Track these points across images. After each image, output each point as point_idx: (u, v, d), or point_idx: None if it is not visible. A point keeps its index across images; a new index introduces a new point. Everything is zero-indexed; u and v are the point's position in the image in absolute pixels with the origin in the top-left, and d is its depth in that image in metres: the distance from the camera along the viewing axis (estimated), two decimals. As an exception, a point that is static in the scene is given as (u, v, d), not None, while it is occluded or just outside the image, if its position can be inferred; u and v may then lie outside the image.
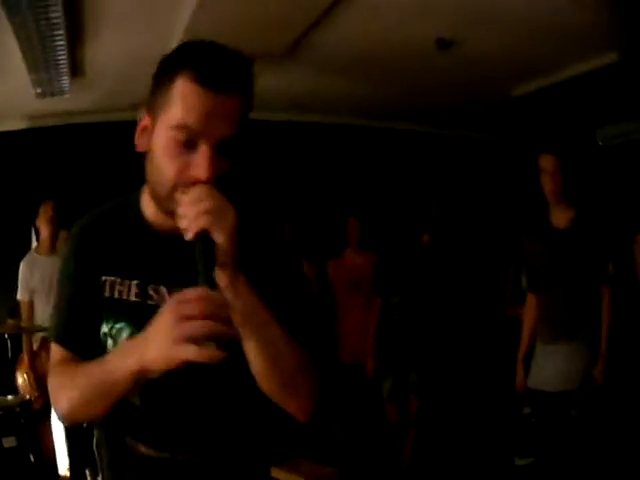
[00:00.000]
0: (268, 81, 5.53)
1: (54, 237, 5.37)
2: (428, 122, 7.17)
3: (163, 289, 1.63)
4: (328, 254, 5.98)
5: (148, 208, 1.66)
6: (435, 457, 5.55)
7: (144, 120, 1.56)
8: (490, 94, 6.24)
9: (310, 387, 1.62)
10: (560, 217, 3.99)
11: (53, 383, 1.67)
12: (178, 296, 1.37)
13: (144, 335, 1.43)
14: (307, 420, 1.63)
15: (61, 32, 4.09)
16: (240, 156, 1.53)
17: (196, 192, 1.42)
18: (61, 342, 1.69)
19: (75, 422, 1.79)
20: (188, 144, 1.45)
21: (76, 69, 4.99)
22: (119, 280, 1.65)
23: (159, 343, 1.37)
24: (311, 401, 1.62)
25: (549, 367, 3.94)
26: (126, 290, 1.64)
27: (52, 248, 5.35)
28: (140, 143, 1.56)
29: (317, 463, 4.85)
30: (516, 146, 6.65)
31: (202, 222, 1.38)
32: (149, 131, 1.54)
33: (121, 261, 1.66)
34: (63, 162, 6.12)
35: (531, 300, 4.21)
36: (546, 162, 3.97)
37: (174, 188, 1.47)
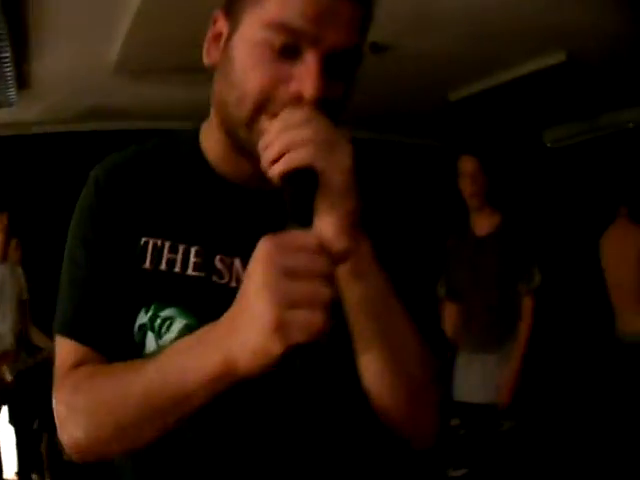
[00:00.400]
0: (206, 92, 5.59)
1: (6, 246, 5.45)
2: (365, 127, 7.14)
3: (237, 262, 1.12)
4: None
5: (213, 146, 1.18)
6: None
7: (218, 23, 1.11)
8: (428, 98, 6.12)
9: (438, 402, 1.15)
10: (482, 223, 3.80)
11: (65, 401, 1.12)
12: (277, 240, 0.86)
13: (225, 319, 0.92)
14: (430, 445, 1.18)
15: (6, 44, 4.15)
16: (354, 85, 1.11)
17: (295, 115, 0.96)
18: (77, 336, 1.15)
19: (97, 458, 1.11)
20: (286, 51, 1.00)
21: (22, 81, 5.02)
22: (169, 244, 1.12)
23: (255, 320, 0.85)
24: (438, 421, 1.16)
25: (475, 378, 3.76)
26: (180, 259, 1.11)
27: (3, 256, 5.43)
28: (211, 54, 1.13)
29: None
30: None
31: (303, 154, 0.92)
32: (225, 37, 1.09)
33: (172, 217, 1.14)
34: (11, 173, 6.16)
35: (449, 309, 3.91)
36: (465, 164, 3.77)
37: (258, 109, 1.02)
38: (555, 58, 4.94)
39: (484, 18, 4.29)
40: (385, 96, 5.94)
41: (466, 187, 3.79)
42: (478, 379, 3.75)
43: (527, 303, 3.66)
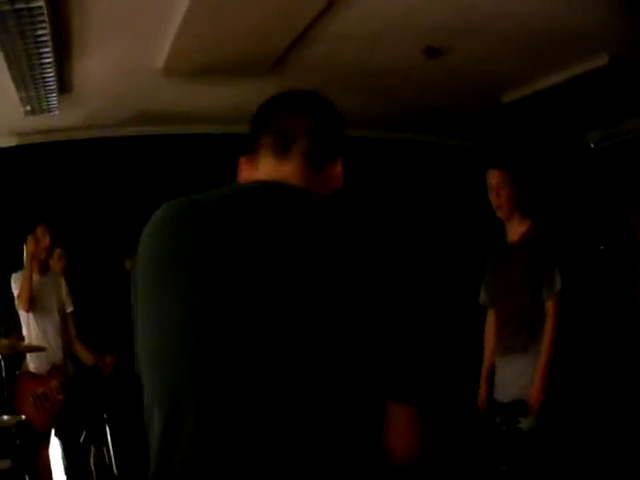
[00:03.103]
0: (252, 95, 5.53)
1: (48, 256, 5.36)
2: (418, 130, 7.16)
3: None
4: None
5: None
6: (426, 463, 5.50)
7: None
8: (479, 101, 6.24)
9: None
10: (513, 230, 3.96)
11: None
12: None
13: None
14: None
15: (49, 49, 4.07)
16: None
17: None
18: None
19: None
20: None
21: (64, 86, 4.97)
22: None
23: None
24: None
25: (506, 379, 3.93)
26: None
27: (44, 268, 5.33)
28: None
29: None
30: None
31: None
32: None
33: None
34: (52, 179, 6.10)
35: (490, 315, 4.21)
36: (490, 177, 3.93)
37: None
38: (598, 61, 5.12)
39: (531, 23, 4.47)
40: (439, 99, 6.08)
41: (492, 200, 3.96)
42: (509, 380, 3.90)
43: (550, 306, 3.78)
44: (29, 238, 5.19)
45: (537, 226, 3.90)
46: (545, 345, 3.74)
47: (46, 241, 5.24)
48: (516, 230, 3.92)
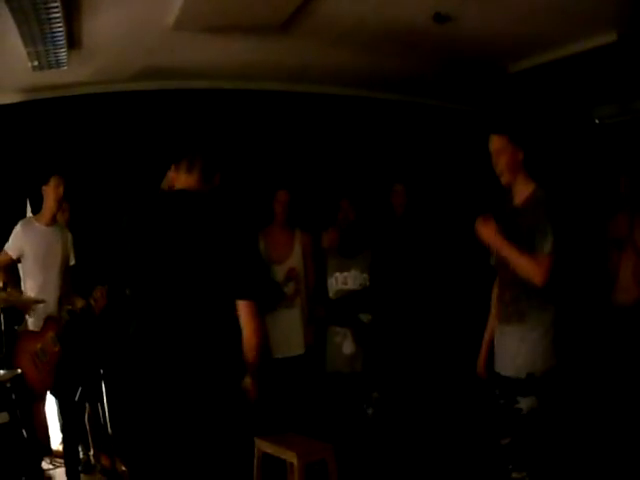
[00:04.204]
0: (262, 52, 5.57)
1: (57, 210, 5.36)
2: (424, 94, 7.18)
3: None
4: (323, 223, 5.93)
5: None
6: (425, 435, 5.59)
7: None
8: (486, 70, 6.25)
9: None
10: (520, 195, 3.81)
11: None
12: None
13: None
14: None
15: (57, 3, 4.04)
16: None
17: None
18: None
19: None
20: None
21: (73, 41, 4.95)
22: None
23: None
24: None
25: (503, 350, 3.83)
26: None
27: (53, 219, 5.35)
28: None
29: (311, 438, 4.87)
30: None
31: None
32: None
33: None
34: (61, 135, 6.10)
35: (496, 280, 4.06)
36: (491, 143, 3.84)
37: None
38: (607, 38, 5.19)
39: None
40: (446, 65, 6.12)
41: (494, 165, 3.84)
42: (506, 354, 3.80)
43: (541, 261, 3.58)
44: (48, 187, 5.25)
45: (542, 188, 3.77)
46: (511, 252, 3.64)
47: (60, 192, 5.27)
48: (522, 193, 3.80)
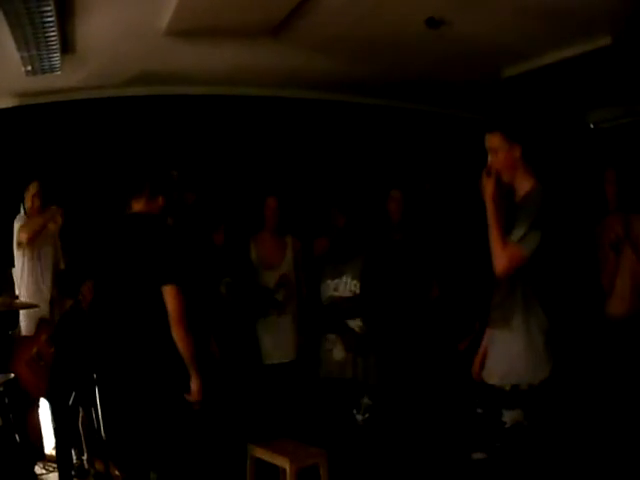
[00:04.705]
0: (254, 58, 5.58)
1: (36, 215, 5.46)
2: (417, 100, 7.19)
3: None
4: (315, 230, 5.94)
5: None
6: (415, 440, 5.58)
7: None
8: (479, 74, 6.26)
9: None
10: (520, 190, 3.66)
11: None
12: None
13: None
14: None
15: (50, 8, 4.04)
16: None
17: None
18: None
19: None
20: None
21: (67, 46, 4.96)
22: None
23: None
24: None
25: (488, 356, 3.72)
26: None
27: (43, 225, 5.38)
28: None
29: (303, 443, 4.86)
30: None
31: None
32: None
33: None
34: (52, 140, 6.10)
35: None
36: (486, 143, 3.73)
37: None
38: (601, 42, 5.19)
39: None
40: (439, 70, 6.12)
41: (492, 164, 3.70)
42: (493, 361, 3.66)
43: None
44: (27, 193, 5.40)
45: (540, 184, 3.65)
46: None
47: (35, 199, 5.46)
48: (522, 189, 3.68)
